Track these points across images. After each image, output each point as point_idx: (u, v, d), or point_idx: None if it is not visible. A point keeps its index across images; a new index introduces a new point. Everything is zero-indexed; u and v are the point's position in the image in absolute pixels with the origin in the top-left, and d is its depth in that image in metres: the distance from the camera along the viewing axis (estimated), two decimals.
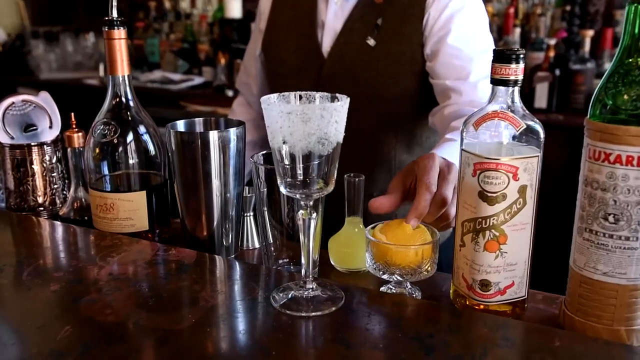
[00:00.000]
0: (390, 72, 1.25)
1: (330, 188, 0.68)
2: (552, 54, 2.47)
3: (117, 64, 0.93)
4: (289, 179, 0.68)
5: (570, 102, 2.42)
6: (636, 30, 0.65)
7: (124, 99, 0.94)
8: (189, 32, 3.43)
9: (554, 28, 2.69)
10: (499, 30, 2.72)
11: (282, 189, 0.68)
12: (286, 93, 0.70)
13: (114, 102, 0.94)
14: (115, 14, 0.92)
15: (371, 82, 1.26)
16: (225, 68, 3.05)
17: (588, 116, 0.69)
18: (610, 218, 0.65)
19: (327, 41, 1.30)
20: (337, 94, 0.69)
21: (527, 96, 2.47)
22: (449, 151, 0.93)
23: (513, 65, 0.71)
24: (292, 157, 0.65)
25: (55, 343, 0.61)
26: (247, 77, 1.52)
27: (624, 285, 0.66)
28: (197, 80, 3.19)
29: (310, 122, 0.63)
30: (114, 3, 0.92)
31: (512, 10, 2.64)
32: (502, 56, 0.71)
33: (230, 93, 2.94)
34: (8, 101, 1.05)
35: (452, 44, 1.20)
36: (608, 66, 2.56)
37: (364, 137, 1.29)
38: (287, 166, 0.66)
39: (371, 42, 1.25)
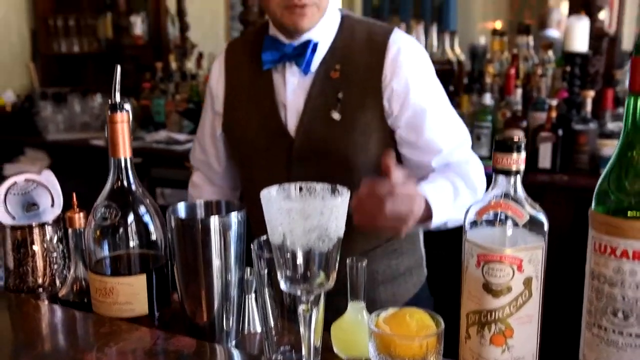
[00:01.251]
0: (358, 143, 1.26)
1: (332, 283, 0.67)
2: (554, 114, 2.48)
3: (119, 147, 0.93)
4: (289, 273, 0.66)
5: (574, 162, 2.42)
6: (637, 121, 0.65)
7: (125, 182, 0.94)
8: (194, 92, 3.48)
9: (555, 88, 2.72)
10: (501, 90, 2.75)
11: (282, 285, 0.67)
12: (286, 185, 0.69)
13: (115, 186, 0.94)
14: (118, 98, 0.93)
15: (342, 155, 1.27)
16: None
17: (592, 207, 0.68)
18: (619, 314, 0.63)
19: (291, 120, 1.30)
20: (338, 185, 0.69)
21: (531, 156, 2.47)
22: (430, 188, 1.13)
23: (514, 155, 0.70)
24: (293, 253, 0.64)
25: None
26: (205, 155, 1.50)
27: None
28: None
29: (310, 219, 0.62)
30: (117, 87, 0.93)
31: (513, 71, 2.66)
32: (503, 146, 0.71)
33: None
34: (10, 181, 1.05)
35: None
36: (610, 126, 2.55)
37: None
38: (288, 261, 0.65)
39: (336, 115, 1.26)
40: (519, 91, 2.64)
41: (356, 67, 1.28)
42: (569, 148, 2.44)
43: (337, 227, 0.64)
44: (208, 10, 4.94)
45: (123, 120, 0.93)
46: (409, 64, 1.27)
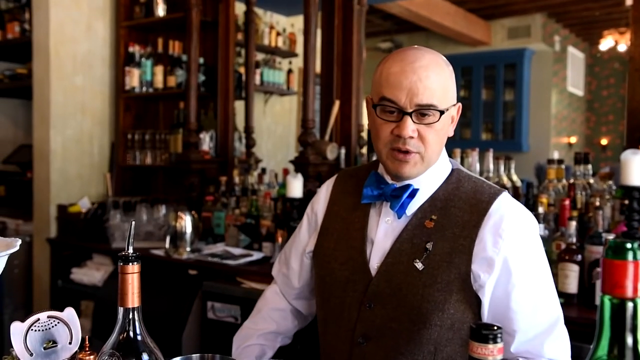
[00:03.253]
0: (436, 299, 1.22)
1: None
2: None
3: (128, 296, 0.98)
4: None
5: None
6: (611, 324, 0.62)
7: (131, 333, 0.98)
8: (254, 207, 3.60)
9: (615, 220, 2.62)
10: (556, 220, 2.68)
11: None
12: None
13: (121, 337, 0.97)
14: (131, 250, 0.98)
15: (416, 306, 1.24)
16: (282, 246, 3.13)
17: None
18: None
19: (375, 258, 1.31)
20: None
21: (588, 292, 2.35)
22: None
23: (490, 346, 0.68)
24: None
25: None
26: (287, 269, 1.53)
27: None
28: (256, 255, 3.28)
29: None
30: (131, 240, 0.99)
31: (567, 202, 2.60)
32: (478, 335, 0.69)
33: None
34: (34, 318, 1.11)
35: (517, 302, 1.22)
36: None
37: (399, 357, 1.26)
38: None
39: (419, 265, 1.24)
40: (573, 223, 2.56)
41: (453, 222, 1.27)
42: None
43: None
44: (281, 124, 5.21)
45: (134, 271, 0.98)
46: (510, 235, 1.22)
